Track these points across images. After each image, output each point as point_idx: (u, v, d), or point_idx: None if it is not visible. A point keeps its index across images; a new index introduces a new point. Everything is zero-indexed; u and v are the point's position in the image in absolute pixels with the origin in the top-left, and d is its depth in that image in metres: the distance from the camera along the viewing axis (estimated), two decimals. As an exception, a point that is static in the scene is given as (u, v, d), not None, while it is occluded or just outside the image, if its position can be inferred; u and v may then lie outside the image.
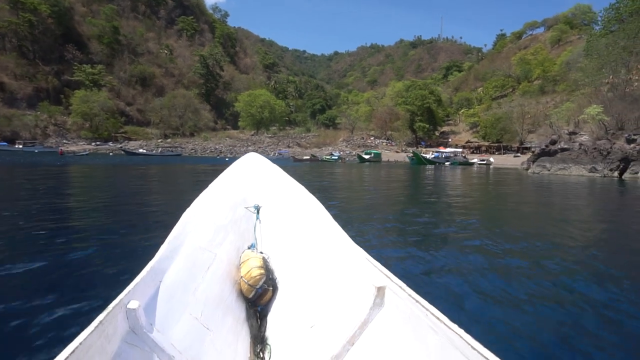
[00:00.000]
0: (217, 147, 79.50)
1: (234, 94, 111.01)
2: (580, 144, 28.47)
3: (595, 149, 27.69)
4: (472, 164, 54.99)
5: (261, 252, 2.58)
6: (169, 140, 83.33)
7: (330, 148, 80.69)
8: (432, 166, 46.42)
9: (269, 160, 3.84)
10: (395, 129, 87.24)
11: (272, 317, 2.09)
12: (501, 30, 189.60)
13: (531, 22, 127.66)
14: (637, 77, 28.73)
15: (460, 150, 61.68)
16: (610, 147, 27.01)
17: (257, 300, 2.17)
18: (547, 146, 34.98)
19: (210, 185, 2.92)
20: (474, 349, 1.03)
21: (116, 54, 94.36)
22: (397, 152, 76.36)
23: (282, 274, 2.38)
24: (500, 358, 0.94)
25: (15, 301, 2.86)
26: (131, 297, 1.33)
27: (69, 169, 22.58)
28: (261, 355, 1.80)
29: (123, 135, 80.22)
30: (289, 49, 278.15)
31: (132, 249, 4.47)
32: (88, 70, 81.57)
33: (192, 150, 75.32)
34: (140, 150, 63.23)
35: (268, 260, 2.43)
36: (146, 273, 1.52)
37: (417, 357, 1.27)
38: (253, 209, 3.06)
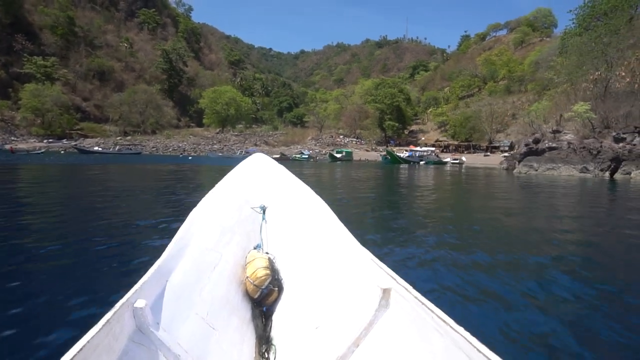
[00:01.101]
0: (181, 145, 75.19)
1: (199, 91, 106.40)
2: (569, 143, 26.87)
3: (584, 148, 26.14)
4: (445, 163, 53.61)
5: (267, 253, 2.54)
6: (128, 137, 78.21)
7: (299, 146, 77.96)
8: (406, 165, 44.62)
9: (274, 161, 3.85)
10: (365, 127, 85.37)
11: (277, 318, 2.07)
12: (465, 31, 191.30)
13: (494, 24, 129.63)
14: (623, 74, 27.31)
15: (433, 148, 60.19)
16: (600, 146, 25.50)
17: (263, 301, 2.14)
18: (528, 145, 33.52)
19: (216, 186, 2.96)
20: (480, 351, 1.03)
21: (71, 46, 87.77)
22: (367, 150, 74.37)
23: (287, 274, 2.34)
24: None
25: (20, 301, 2.80)
26: (138, 296, 1.34)
27: (22, 168, 19.66)
28: (266, 356, 1.79)
29: (79, 132, 74.30)
30: (255, 46, 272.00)
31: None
32: (39, 63, 75.08)
33: (154, 149, 70.72)
34: (96, 148, 57.77)
35: (274, 260, 2.39)
36: (153, 272, 1.53)
37: (423, 359, 1.27)
38: (259, 210, 3.07)
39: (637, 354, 2.42)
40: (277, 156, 53.09)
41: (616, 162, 24.91)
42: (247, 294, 2.17)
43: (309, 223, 2.66)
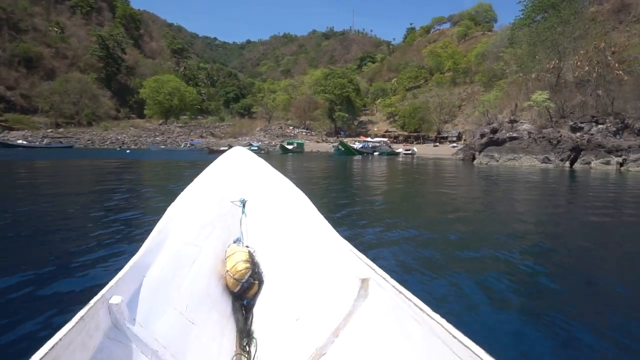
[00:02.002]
0: (119, 137, 69.79)
1: (139, 80, 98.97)
2: (529, 133, 26.16)
3: (543, 137, 25.50)
4: (398, 153, 52.74)
5: (247, 246, 2.53)
6: (61, 130, 71.26)
7: (247, 138, 74.78)
8: (360, 156, 43.08)
9: (254, 154, 3.82)
10: (315, 118, 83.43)
11: (257, 311, 2.07)
12: (411, 24, 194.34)
13: (438, 17, 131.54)
14: (579, 63, 26.93)
15: (385, 139, 59.15)
16: (560, 136, 24.93)
17: (243, 294, 2.12)
18: (483, 134, 32.83)
19: (195, 179, 2.92)
20: (455, 337, 1.04)
21: (-8, 29, 78.77)
22: (317, 142, 72.47)
23: (267, 267, 2.34)
24: (480, 346, 0.96)
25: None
26: (113, 292, 1.32)
27: None
28: (247, 349, 1.80)
29: (2, 124, 66.56)
30: (199, 35, 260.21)
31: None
32: (-47, 47, 66.46)
33: (89, 142, 64.98)
34: (20, 142, 51.42)
35: (254, 254, 2.38)
36: (129, 268, 1.50)
37: (401, 347, 1.29)
38: (239, 203, 3.04)
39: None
40: (225, 148, 49.85)
41: (576, 152, 24.43)
42: (227, 288, 2.13)
43: (289, 216, 2.63)
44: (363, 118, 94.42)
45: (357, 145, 50.65)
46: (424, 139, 73.68)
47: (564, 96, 27.65)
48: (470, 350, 0.98)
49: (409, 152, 54.73)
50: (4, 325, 2.36)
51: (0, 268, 3.46)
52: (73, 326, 1.06)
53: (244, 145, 57.47)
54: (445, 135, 71.51)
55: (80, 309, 1.15)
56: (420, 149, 59.25)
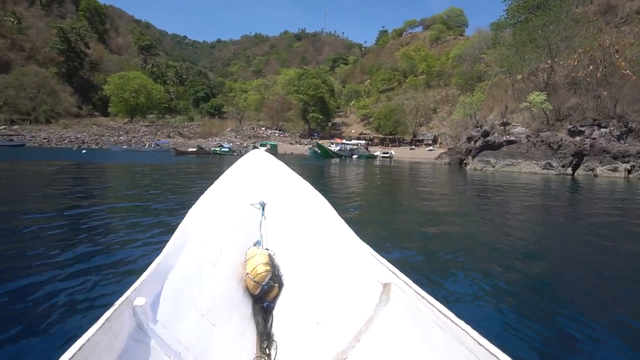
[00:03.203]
0: (79, 136, 64.55)
1: (103, 76, 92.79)
2: (528, 136, 23.94)
3: (542, 141, 23.32)
4: (376, 156, 50.29)
5: (267, 249, 2.49)
6: (15, 127, 65.45)
7: (217, 139, 70.95)
8: (338, 159, 40.27)
9: (274, 157, 3.84)
10: (288, 119, 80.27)
11: (278, 314, 2.03)
12: (383, 27, 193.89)
13: (410, 20, 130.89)
14: (575, 62, 24.98)
15: (363, 142, 56.56)
16: (561, 140, 22.80)
17: (263, 297, 2.09)
18: (470, 138, 30.57)
19: (216, 182, 2.98)
20: (481, 345, 1.02)
21: (-63, 16, 71.67)
22: (291, 143, 69.39)
23: (287, 270, 2.30)
24: (507, 354, 0.94)
25: (18, 302, 2.66)
26: (138, 293, 1.32)
27: None
28: (267, 352, 1.77)
29: (-52, 119, 60.32)
30: (169, 33, 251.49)
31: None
32: None
33: (45, 140, 59.64)
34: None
35: (274, 256, 2.35)
36: (152, 270, 1.51)
37: (424, 354, 1.27)
38: (258, 206, 3.03)
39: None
40: (193, 149, 45.99)
41: (578, 158, 22.34)
42: (248, 291, 2.12)
43: (309, 219, 2.61)
44: (337, 120, 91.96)
45: (334, 148, 47.83)
46: (400, 142, 71.75)
47: (559, 98, 25.62)
48: (497, 358, 0.95)
49: (387, 155, 52.41)
50: (32, 326, 2.31)
51: (28, 270, 3.25)
52: (100, 327, 1.07)
53: (215, 146, 54.40)
54: (421, 138, 69.80)
55: (103, 310, 1.16)
56: (396, 152, 57.12)
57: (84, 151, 37.26)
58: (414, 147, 65.97)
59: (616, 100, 22.50)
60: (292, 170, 3.41)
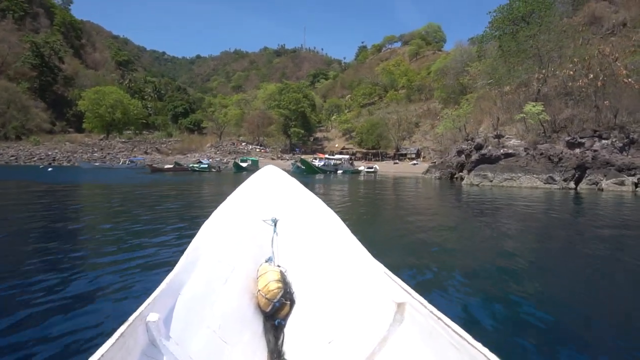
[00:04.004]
0: (50, 153, 60.74)
1: (78, 91, 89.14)
2: (526, 149, 22.48)
3: (542, 154, 21.88)
4: (360, 171, 48.59)
5: (278, 266, 2.45)
6: (-19, 144, 61.59)
7: (196, 155, 68.21)
8: (322, 175, 38.36)
9: (286, 173, 3.77)
10: (269, 134, 78.20)
11: (289, 332, 1.98)
12: (362, 42, 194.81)
13: (390, 36, 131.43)
14: (571, 72, 23.80)
15: (347, 157, 54.85)
16: (561, 153, 21.39)
17: (275, 314, 2.05)
18: (460, 151, 29.11)
19: (228, 198, 2.96)
20: None
21: None
22: (272, 159, 67.24)
23: (299, 287, 2.25)
24: None
25: (34, 318, 2.62)
26: (150, 309, 1.32)
27: None
28: None
29: None
30: (147, 49, 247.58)
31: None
32: None
33: (12, 158, 55.88)
34: None
35: (285, 273, 2.30)
36: (165, 286, 1.51)
37: None
38: (270, 222, 2.99)
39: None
40: (170, 166, 43.36)
41: (581, 171, 20.94)
42: (259, 307, 2.09)
43: (321, 236, 2.57)
44: (319, 134, 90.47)
45: (318, 163, 45.92)
46: (383, 156, 70.45)
47: (554, 108, 24.37)
48: None
49: (372, 169, 50.79)
50: (50, 341, 2.28)
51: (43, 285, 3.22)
52: (114, 343, 1.06)
53: (193, 163, 51.78)
54: (404, 152, 68.62)
55: (118, 325, 1.15)
56: (380, 167, 55.63)
57: (49, 169, 34.35)
58: (397, 161, 64.63)
59: (616, 110, 21.28)
60: (304, 187, 3.35)
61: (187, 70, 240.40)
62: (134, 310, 1.26)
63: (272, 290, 2.04)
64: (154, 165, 40.70)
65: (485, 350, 1.03)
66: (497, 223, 8.11)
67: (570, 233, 7.45)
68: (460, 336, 1.13)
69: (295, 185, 3.48)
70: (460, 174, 28.43)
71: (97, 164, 49.42)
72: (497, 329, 2.72)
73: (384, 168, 55.63)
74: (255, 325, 1.96)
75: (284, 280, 2.17)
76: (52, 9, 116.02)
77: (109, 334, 1.10)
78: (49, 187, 15.21)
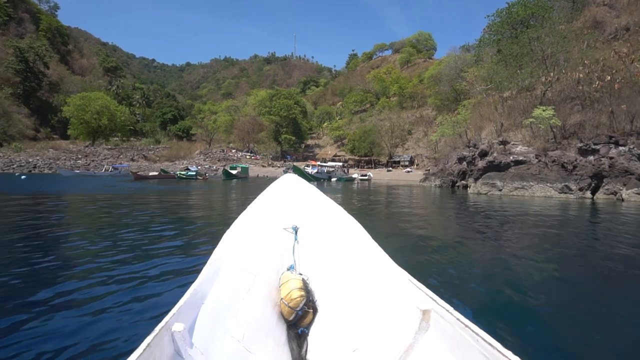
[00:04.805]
0: (31, 160, 57.82)
1: (64, 97, 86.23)
2: (537, 156, 20.81)
3: (554, 161, 20.22)
4: (354, 179, 46.75)
5: (300, 274, 2.39)
6: (-40, 151, 58.55)
7: (185, 162, 65.93)
8: (315, 182, 36.41)
9: (306, 182, 3.77)
10: (259, 141, 76.04)
11: (313, 340, 1.96)
12: (353, 50, 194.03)
13: (380, 44, 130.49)
14: (581, 75, 22.27)
15: (340, 164, 52.96)
16: (576, 160, 19.75)
17: (298, 323, 2.04)
18: (462, 158, 27.42)
19: (249, 207, 2.93)
20: None
21: None
22: (263, 166, 65.21)
23: (322, 295, 2.23)
24: None
25: (61, 328, 2.58)
26: (176, 319, 1.33)
27: None
28: None
29: None
30: (137, 56, 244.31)
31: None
32: None
33: (-10, 165, 53.06)
34: None
35: (307, 281, 2.26)
36: (189, 296, 1.51)
37: None
38: (291, 230, 2.97)
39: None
40: (155, 173, 41.01)
41: (597, 180, 19.30)
42: (282, 316, 2.07)
43: (342, 243, 2.54)
44: (310, 142, 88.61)
45: (311, 170, 43.97)
46: (375, 164, 68.77)
47: (563, 113, 22.81)
48: None
49: (365, 177, 48.98)
50: (79, 353, 2.24)
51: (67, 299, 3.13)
52: (141, 353, 1.07)
53: (180, 170, 49.50)
54: (397, 159, 67.01)
55: (144, 335, 1.16)
56: (374, 174, 53.95)
57: (23, 177, 31.83)
58: (390, 168, 62.98)
59: (633, 115, 19.72)
60: (324, 195, 3.32)
61: (176, 78, 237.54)
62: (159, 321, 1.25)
63: (295, 298, 2.01)
64: (137, 173, 38.27)
65: (517, 359, 1.00)
66: (517, 238, 7.14)
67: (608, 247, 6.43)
68: (490, 344, 1.09)
69: (315, 193, 3.47)
70: (463, 182, 26.71)
71: (77, 171, 46.75)
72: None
73: (378, 176, 53.94)
74: (279, 334, 1.93)
75: (306, 288, 2.12)
76: (38, 14, 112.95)
77: (135, 344, 1.09)
78: (6, 197, 13.00)
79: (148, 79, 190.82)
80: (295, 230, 2.91)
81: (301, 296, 2.03)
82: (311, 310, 2.06)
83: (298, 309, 2.00)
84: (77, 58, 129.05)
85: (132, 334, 2.41)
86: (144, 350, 1.07)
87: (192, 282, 1.62)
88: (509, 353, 1.02)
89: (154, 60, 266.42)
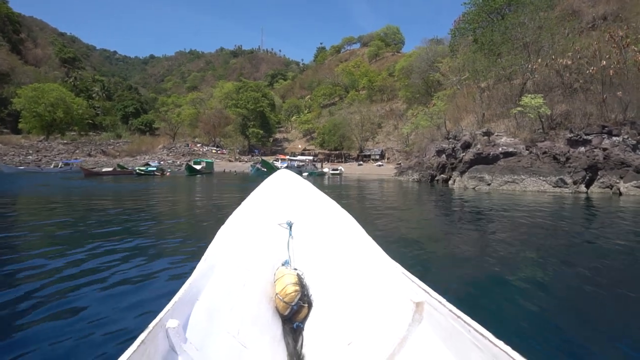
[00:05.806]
0: (-29, 156, 52.47)
1: (14, 89, 79.57)
2: (528, 147, 19.07)
3: (545, 153, 18.53)
4: (325, 173, 44.46)
5: (295, 269, 2.39)
6: None
7: (146, 157, 61.69)
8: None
9: (300, 177, 3.64)
10: (226, 134, 72.37)
11: (308, 334, 1.96)
12: (321, 43, 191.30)
13: (348, 37, 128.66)
14: (571, 61, 20.69)
15: (310, 158, 50.45)
16: (568, 152, 18.12)
17: (293, 317, 2.03)
18: (440, 150, 25.56)
19: (243, 203, 2.88)
20: None
21: None
22: (230, 160, 61.91)
23: (317, 290, 2.22)
24: None
25: (56, 323, 2.58)
26: (170, 315, 1.32)
27: None
28: None
29: None
30: (97, 48, 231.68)
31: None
32: None
33: None
34: None
35: (302, 276, 2.25)
36: (184, 292, 1.49)
37: None
38: (286, 226, 2.92)
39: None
40: (109, 169, 37.28)
41: (592, 172, 17.73)
42: (277, 311, 2.06)
43: (337, 238, 2.51)
44: (278, 135, 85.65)
45: (280, 165, 41.33)
46: (346, 158, 66.72)
47: (550, 102, 21.21)
48: None
49: (337, 171, 46.74)
50: (74, 347, 2.24)
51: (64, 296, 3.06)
52: (135, 349, 1.05)
53: (142, 165, 45.63)
54: (368, 153, 65.17)
55: (138, 332, 1.14)
56: (345, 169, 51.72)
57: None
58: (361, 162, 61.01)
59: (627, 103, 18.23)
60: (318, 190, 3.22)
61: (140, 71, 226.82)
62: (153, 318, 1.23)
63: (290, 293, 2.00)
64: (88, 169, 34.36)
65: (508, 349, 1.00)
66: (510, 236, 6.63)
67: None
68: (482, 335, 1.09)
69: (309, 188, 3.37)
70: (442, 175, 24.81)
71: (21, 167, 42.18)
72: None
73: (349, 170, 51.81)
74: (274, 329, 1.93)
75: (301, 283, 2.11)
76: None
77: (129, 341, 1.08)
78: None
79: (109, 72, 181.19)
80: (290, 225, 2.87)
81: (296, 291, 2.01)
82: (306, 305, 2.04)
83: (293, 303, 1.98)
84: (31, 48, 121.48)
85: (126, 331, 2.35)
86: (138, 346, 1.05)
87: (187, 278, 1.58)
88: (500, 343, 1.03)
89: (115, 52, 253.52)
